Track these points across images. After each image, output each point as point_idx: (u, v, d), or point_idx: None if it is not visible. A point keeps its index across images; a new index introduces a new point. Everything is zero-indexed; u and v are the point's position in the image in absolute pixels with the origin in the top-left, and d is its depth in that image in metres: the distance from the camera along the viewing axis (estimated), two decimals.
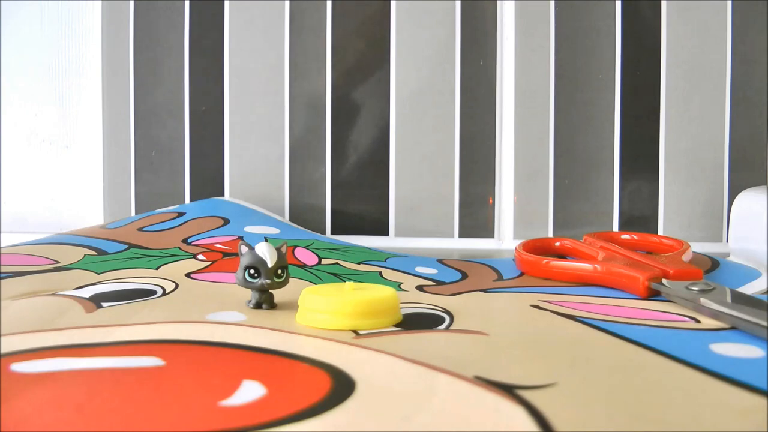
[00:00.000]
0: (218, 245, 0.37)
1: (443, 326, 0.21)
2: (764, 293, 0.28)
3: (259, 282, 0.23)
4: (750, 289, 0.29)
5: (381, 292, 0.23)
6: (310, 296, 0.22)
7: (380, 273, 0.32)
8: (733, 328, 0.21)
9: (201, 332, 0.20)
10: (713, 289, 0.25)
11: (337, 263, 0.34)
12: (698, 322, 0.22)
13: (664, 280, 0.27)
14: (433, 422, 0.13)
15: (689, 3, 0.47)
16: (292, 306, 0.24)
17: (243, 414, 0.13)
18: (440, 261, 0.36)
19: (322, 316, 0.21)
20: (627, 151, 0.48)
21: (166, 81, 0.51)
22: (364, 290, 0.23)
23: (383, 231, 0.50)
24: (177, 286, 0.27)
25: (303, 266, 0.33)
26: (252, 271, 0.23)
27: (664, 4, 0.47)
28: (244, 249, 0.24)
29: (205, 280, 0.29)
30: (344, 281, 0.29)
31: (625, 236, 0.38)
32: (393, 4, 0.49)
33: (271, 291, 0.24)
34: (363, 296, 0.22)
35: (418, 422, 0.13)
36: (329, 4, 0.50)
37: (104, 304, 0.23)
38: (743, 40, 0.47)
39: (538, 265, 0.32)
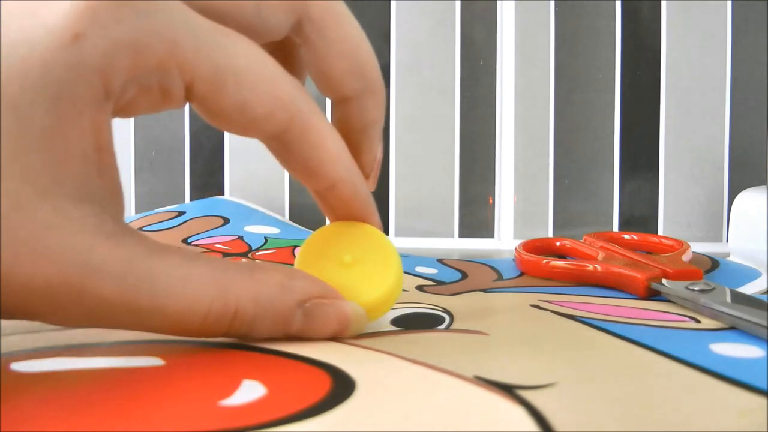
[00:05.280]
0: (218, 245, 0.37)
1: (443, 326, 0.21)
2: (764, 293, 0.28)
3: None
4: (750, 289, 0.29)
5: (383, 286, 0.20)
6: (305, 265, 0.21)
7: None
8: (733, 328, 0.21)
9: None
10: (713, 289, 0.25)
11: None
12: (698, 322, 0.22)
13: (663, 280, 0.27)
14: (433, 422, 0.13)
15: (689, 3, 0.47)
16: None
17: (243, 414, 0.13)
18: (440, 261, 0.36)
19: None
20: (627, 151, 0.48)
21: None
22: (365, 278, 0.21)
23: (383, 231, 0.50)
24: None
25: None
26: None
27: (664, 4, 0.47)
28: None
29: None
30: None
31: (625, 236, 0.38)
32: (393, 4, 0.49)
33: None
34: (369, 293, 0.20)
35: (418, 422, 0.13)
36: None
37: None
38: (743, 40, 0.47)
39: (538, 265, 0.32)
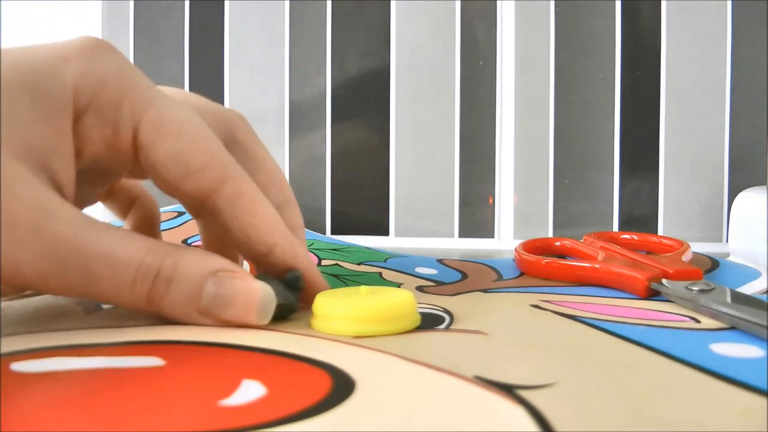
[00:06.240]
0: None
1: (443, 326, 0.21)
2: (764, 293, 0.28)
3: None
4: (750, 289, 0.29)
5: (398, 296, 0.21)
6: (325, 301, 0.21)
7: (380, 274, 0.32)
8: (733, 328, 0.21)
9: (201, 332, 0.20)
10: (713, 289, 0.25)
11: (337, 264, 0.34)
12: (698, 322, 0.22)
13: (663, 280, 0.27)
14: (433, 422, 0.13)
15: (689, 3, 0.47)
16: None
17: (243, 414, 0.13)
18: (440, 261, 0.36)
19: (341, 323, 0.20)
20: (627, 151, 0.48)
21: (166, 81, 0.51)
22: (381, 294, 0.21)
23: (383, 231, 0.50)
24: None
25: None
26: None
27: (664, 4, 0.47)
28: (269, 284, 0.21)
29: None
30: (346, 283, 0.29)
31: (625, 236, 0.38)
32: (393, 5, 0.49)
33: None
34: (382, 301, 0.21)
35: (418, 422, 0.13)
36: (329, 4, 0.50)
37: (104, 306, 0.23)
38: (743, 40, 0.47)
39: (538, 265, 0.32)
